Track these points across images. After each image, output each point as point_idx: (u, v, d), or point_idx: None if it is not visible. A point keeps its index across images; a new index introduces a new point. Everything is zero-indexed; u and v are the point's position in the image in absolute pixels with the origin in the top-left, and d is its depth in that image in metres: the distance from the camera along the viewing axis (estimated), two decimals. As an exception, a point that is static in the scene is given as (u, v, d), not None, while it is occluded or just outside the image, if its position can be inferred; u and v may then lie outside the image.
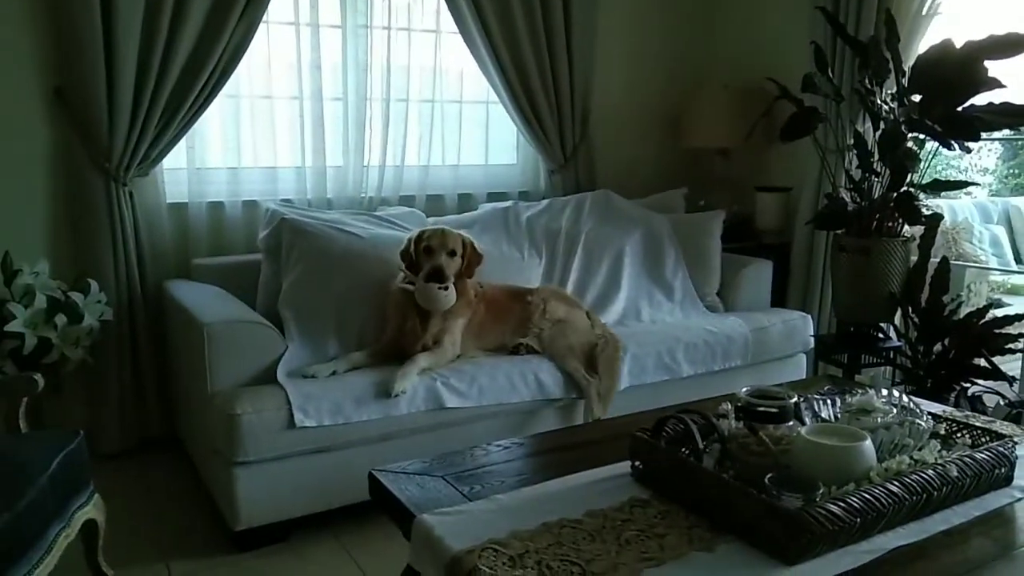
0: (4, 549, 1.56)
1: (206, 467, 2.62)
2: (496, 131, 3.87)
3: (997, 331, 2.82)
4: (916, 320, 2.97)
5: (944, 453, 1.56)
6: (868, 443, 1.47)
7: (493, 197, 3.73)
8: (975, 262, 4.74)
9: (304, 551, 2.38)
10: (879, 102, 2.96)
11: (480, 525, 1.44)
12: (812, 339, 3.36)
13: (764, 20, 4.01)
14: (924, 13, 3.27)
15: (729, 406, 1.69)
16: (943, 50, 2.79)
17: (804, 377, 3.36)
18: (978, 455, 1.53)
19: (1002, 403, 2.75)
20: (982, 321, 2.85)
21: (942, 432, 1.68)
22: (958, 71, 2.74)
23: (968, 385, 2.87)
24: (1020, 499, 1.54)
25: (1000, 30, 2.73)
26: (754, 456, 1.52)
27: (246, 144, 3.24)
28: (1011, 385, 3.00)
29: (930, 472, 1.45)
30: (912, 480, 1.42)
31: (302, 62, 3.24)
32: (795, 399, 1.61)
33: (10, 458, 1.75)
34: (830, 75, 3.07)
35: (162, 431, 3.09)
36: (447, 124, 3.66)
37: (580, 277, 3.27)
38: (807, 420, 1.65)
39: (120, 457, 2.98)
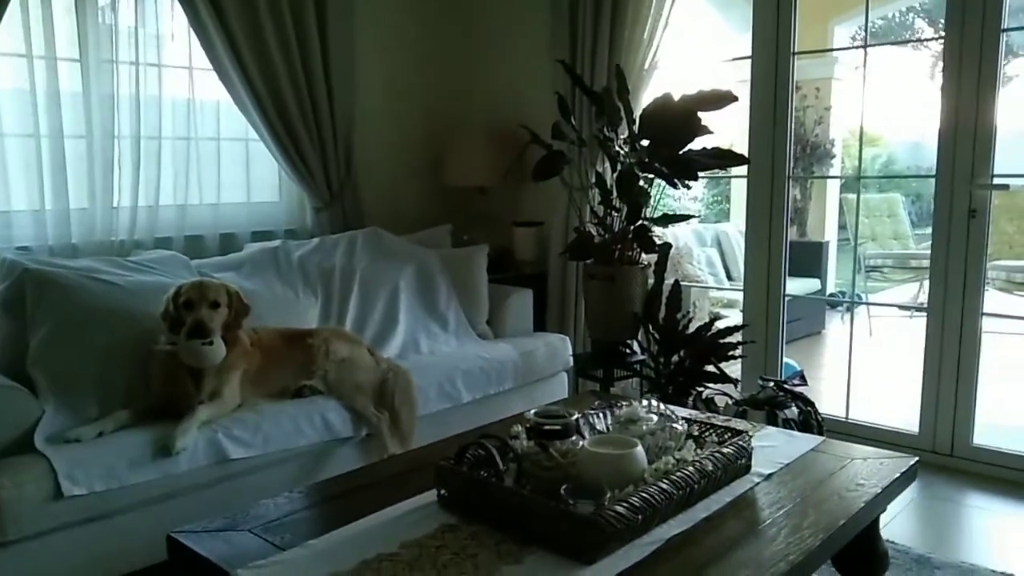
0: None
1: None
2: (258, 168, 3.79)
3: (721, 341, 3.30)
4: (656, 336, 3.39)
5: (699, 451, 1.84)
6: (640, 449, 1.70)
7: (258, 236, 3.64)
8: (696, 282, 5.47)
9: (77, 632, 2.18)
10: (615, 147, 3.35)
11: (298, 572, 1.46)
12: (571, 358, 3.69)
13: (514, 69, 4.34)
14: (646, 68, 3.76)
15: (520, 427, 1.85)
16: (664, 103, 3.24)
17: (566, 393, 3.67)
18: (725, 449, 1.83)
19: (730, 403, 3.22)
20: (708, 333, 3.32)
21: (695, 433, 1.97)
22: (677, 121, 3.20)
23: (702, 389, 3.33)
24: (758, 483, 1.86)
25: (708, 85, 3.24)
26: (546, 471, 1.69)
27: (-30, 187, 2.90)
28: (736, 386, 3.52)
29: (691, 468, 1.71)
30: (678, 477, 1.66)
31: (37, 98, 2.98)
32: (575, 416, 1.81)
33: None
34: (572, 122, 3.42)
35: None
36: (204, 162, 3.53)
37: (358, 314, 3.31)
38: (586, 434, 1.86)
39: None
